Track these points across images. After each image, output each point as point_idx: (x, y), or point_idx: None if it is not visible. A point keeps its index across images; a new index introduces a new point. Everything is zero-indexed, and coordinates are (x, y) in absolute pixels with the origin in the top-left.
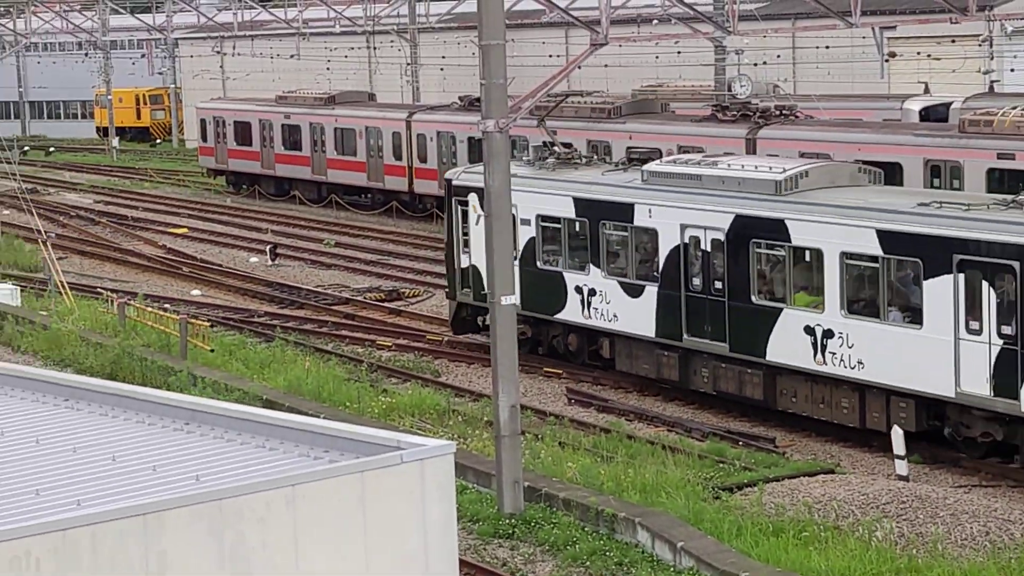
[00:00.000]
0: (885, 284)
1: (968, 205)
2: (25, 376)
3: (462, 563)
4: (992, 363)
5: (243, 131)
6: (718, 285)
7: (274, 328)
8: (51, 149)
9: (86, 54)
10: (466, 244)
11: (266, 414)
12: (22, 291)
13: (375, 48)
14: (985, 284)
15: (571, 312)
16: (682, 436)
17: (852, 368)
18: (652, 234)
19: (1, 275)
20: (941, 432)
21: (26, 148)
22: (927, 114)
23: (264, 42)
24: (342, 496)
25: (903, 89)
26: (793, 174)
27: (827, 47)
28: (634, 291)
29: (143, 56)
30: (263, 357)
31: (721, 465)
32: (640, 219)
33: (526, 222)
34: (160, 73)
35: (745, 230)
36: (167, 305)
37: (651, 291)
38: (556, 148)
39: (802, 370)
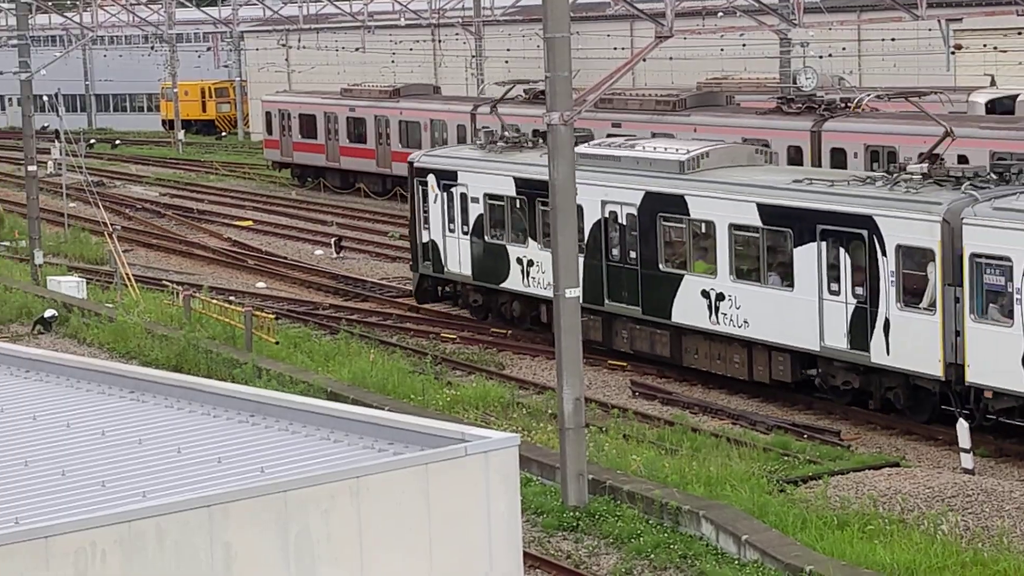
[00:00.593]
0: (765, 252)
1: (832, 181)
2: (91, 368)
3: (526, 555)
4: (848, 320)
5: (308, 124)
6: (632, 255)
7: (339, 320)
8: (117, 142)
9: (152, 47)
10: (426, 221)
11: (331, 406)
12: (88, 283)
13: (440, 41)
14: (842, 251)
15: (514, 281)
16: (747, 429)
17: (740, 327)
18: (578, 209)
19: (67, 267)
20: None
21: (92, 141)
22: (993, 107)
23: (329, 35)
24: (407, 488)
25: (969, 82)
26: (695, 155)
27: (893, 39)
28: None
29: (209, 49)
30: (328, 349)
31: (786, 458)
32: None
33: (476, 200)
34: (226, 66)
35: (653, 205)
36: (232, 297)
37: (579, 261)
38: (506, 134)
39: (700, 329)
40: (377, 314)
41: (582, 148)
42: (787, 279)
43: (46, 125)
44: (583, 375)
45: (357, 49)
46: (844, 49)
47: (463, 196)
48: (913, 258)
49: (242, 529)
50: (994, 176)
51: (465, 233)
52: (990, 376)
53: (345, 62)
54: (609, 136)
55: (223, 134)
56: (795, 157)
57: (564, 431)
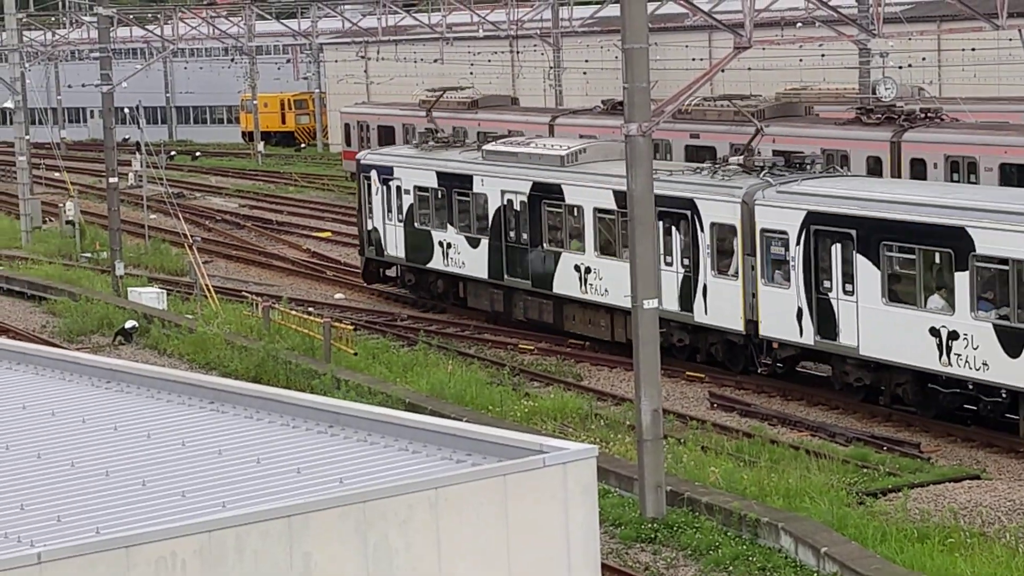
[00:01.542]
0: (619, 231)
1: (671, 171)
2: (171, 379)
3: (604, 567)
4: (679, 287)
5: (387, 135)
6: (524, 236)
7: (417, 332)
8: (197, 154)
9: (232, 59)
10: (370, 211)
11: (409, 417)
12: (168, 295)
13: (518, 52)
14: (673, 228)
15: (437, 262)
16: (825, 441)
17: (602, 295)
18: (484, 198)
19: (148, 279)
20: None
21: (173, 153)
22: None
23: (408, 47)
24: (485, 499)
25: None
26: (574, 151)
27: (973, 49)
28: (474, 243)
29: (288, 61)
30: (406, 360)
31: (865, 470)
32: (477, 187)
33: (407, 192)
34: (305, 78)
35: (538, 193)
36: (311, 309)
37: (484, 243)
38: (437, 134)
39: (575, 299)
40: (455, 325)
41: (487, 146)
42: (718, 262)
43: (127, 137)
44: (661, 386)
45: (436, 61)
46: (924, 59)
47: (398, 188)
48: (722, 233)
49: (321, 539)
50: (792, 166)
51: (400, 221)
52: (776, 330)
53: (424, 74)
54: (687, 147)
55: (302, 146)
56: (875, 168)
57: (642, 442)
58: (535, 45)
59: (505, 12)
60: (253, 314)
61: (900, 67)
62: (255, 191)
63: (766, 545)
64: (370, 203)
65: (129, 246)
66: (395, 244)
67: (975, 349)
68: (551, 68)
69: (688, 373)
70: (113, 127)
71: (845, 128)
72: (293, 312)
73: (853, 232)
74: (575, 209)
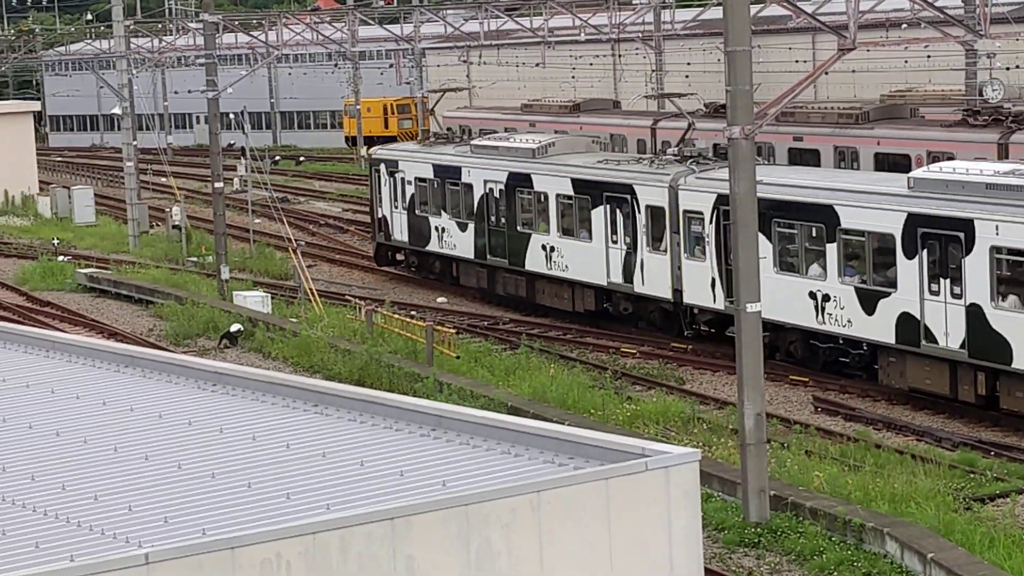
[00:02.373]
0: (576, 214)
1: (618, 162)
2: (276, 382)
3: (707, 572)
4: (622, 261)
5: None
6: (502, 220)
7: (519, 335)
8: (301, 159)
9: (335, 65)
10: (379, 200)
11: (511, 420)
12: (273, 298)
13: (620, 55)
14: (618, 211)
15: (434, 244)
16: (932, 446)
17: (564, 270)
18: (470, 187)
19: (253, 283)
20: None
21: (277, 158)
22: None
23: (510, 51)
24: (587, 502)
25: None
26: (544, 144)
27: None
28: (463, 227)
29: (391, 66)
30: (508, 364)
31: (972, 475)
32: (465, 177)
33: (410, 182)
34: (407, 83)
35: (513, 182)
36: (414, 312)
37: (471, 227)
38: (440, 132)
39: (542, 274)
40: (557, 328)
41: (474, 141)
42: (589, 233)
43: (232, 143)
44: (764, 390)
45: (537, 64)
46: None
47: (402, 180)
48: (655, 215)
49: (424, 542)
50: (719, 156)
51: (404, 209)
52: (695, 297)
53: (525, 78)
54: (791, 150)
55: None
56: None
57: (745, 446)
58: (637, 48)
59: (607, 16)
60: (356, 318)
61: (1007, 68)
62: (358, 195)
63: (871, 551)
64: (380, 193)
65: (234, 250)
66: (400, 230)
67: (842, 309)
68: (653, 71)
69: (792, 377)
70: (218, 132)
71: (951, 130)
72: (396, 316)
73: None
74: (542, 196)
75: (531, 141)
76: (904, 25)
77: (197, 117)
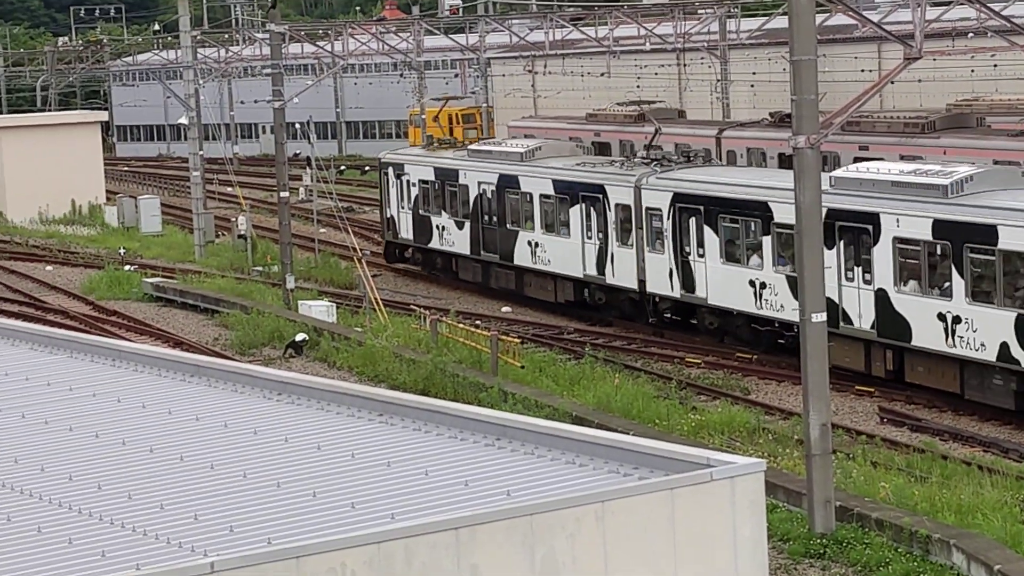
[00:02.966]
0: (557, 212)
1: (595, 164)
2: (341, 391)
3: None
4: (596, 255)
5: None
6: (494, 219)
7: (584, 345)
8: (366, 168)
9: (401, 74)
10: (388, 201)
11: (576, 430)
12: (338, 308)
13: (685, 65)
14: (592, 209)
15: (435, 242)
16: (999, 456)
17: (547, 264)
18: (466, 188)
19: (318, 292)
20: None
21: (343, 167)
22: None
23: (575, 60)
24: (652, 513)
25: None
26: (531, 149)
27: None
28: (460, 225)
29: (456, 75)
30: (573, 374)
31: None
32: (461, 179)
33: (414, 184)
34: (473, 92)
35: (503, 183)
36: (478, 322)
37: (467, 225)
38: (441, 139)
39: (529, 268)
40: (622, 338)
41: (472, 146)
42: (567, 229)
43: (298, 152)
44: (830, 401)
45: (602, 74)
46: None
47: (407, 182)
48: (623, 212)
49: (489, 551)
50: (680, 159)
51: (410, 208)
52: (656, 286)
53: (590, 87)
54: (856, 159)
55: None
56: None
57: (811, 457)
58: (702, 58)
59: (672, 25)
60: (421, 327)
61: None
62: None
63: (937, 562)
64: (388, 195)
65: (299, 260)
66: (406, 228)
67: (776, 295)
68: (718, 81)
69: (857, 387)
70: (284, 142)
71: (1018, 139)
72: (461, 325)
73: (701, 208)
74: (528, 196)
75: (519, 146)
76: (971, 34)
77: (263, 127)
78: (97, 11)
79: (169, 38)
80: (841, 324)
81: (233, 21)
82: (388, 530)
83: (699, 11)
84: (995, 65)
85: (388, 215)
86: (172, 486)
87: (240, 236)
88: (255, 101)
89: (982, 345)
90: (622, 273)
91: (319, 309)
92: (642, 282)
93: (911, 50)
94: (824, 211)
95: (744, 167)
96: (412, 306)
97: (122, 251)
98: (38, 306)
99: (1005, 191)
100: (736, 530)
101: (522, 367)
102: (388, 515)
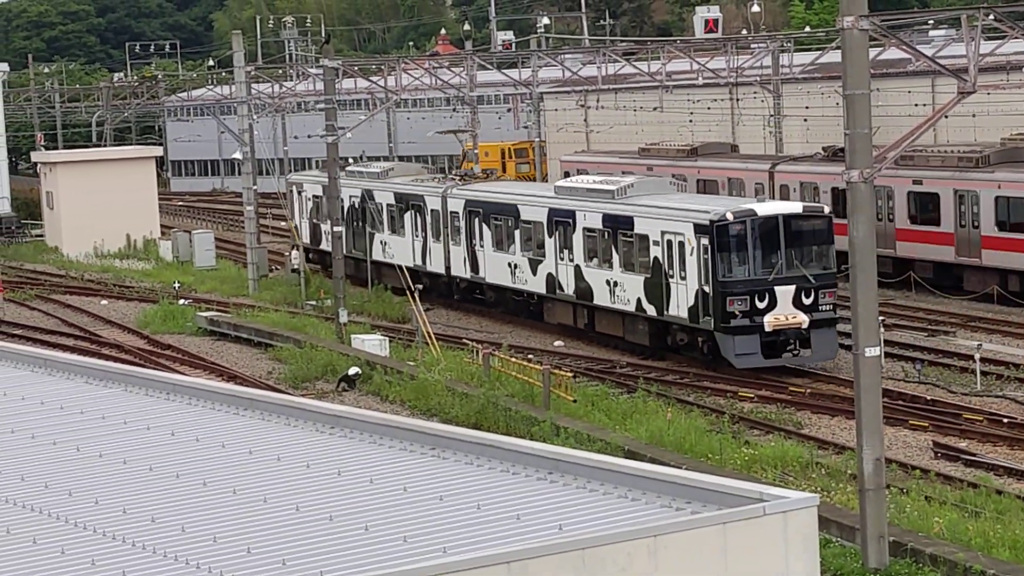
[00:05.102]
0: (398, 217)
1: (424, 180)
2: (393, 425)
3: None
4: (420, 249)
5: None
6: (360, 224)
7: (636, 379)
8: None
9: (454, 109)
10: (292, 214)
11: (628, 464)
12: (391, 342)
13: (738, 99)
14: (418, 214)
15: (323, 244)
16: None
17: (392, 258)
18: (341, 200)
19: (371, 326)
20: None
21: None
22: None
23: (627, 95)
24: (704, 547)
25: None
26: (385, 169)
27: None
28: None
29: (509, 110)
30: (625, 408)
31: None
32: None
33: (309, 199)
34: (525, 127)
35: (365, 196)
36: (531, 356)
37: (349, 231)
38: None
39: (381, 262)
40: (674, 372)
41: (348, 168)
42: (404, 230)
43: None
44: (883, 435)
45: (655, 109)
46: None
47: (305, 197)
48: (436, 215)
49: None
50: (486, 176)
51: (307, 218)
52: (457, 270)
53: (643, 122)
54: (910, 193)
55: None
56: None
57: (864, 491)
58: (755, 92)
59: (725, 59)
60: (474, 361)
61: None
62: None
63: None
64: (293, 208)
65: (352, 294)
66: (305, 234)
67: (523, 272)
68: (771, 115)
69: (911, 422)
70: (337, 176)
71: None
72: (513, 359)
73: (481, 211)
74: (379, 205)
75: (377, 167)
76: None
77: (316, 162)
78: (152, 47)
79: (223, 73)
80: (558, 291)
81: (287, 56)
82: (440, 564)
83: (752, 45)
84: None
85: (294, 224)
86: (225, 519)
87: (293, 270)
88: (308, 136)
89: (628, 301)
90: (436, 262)
91: (372, 343)
92: (448, 268)
93: (965, 84)
94: (547, 211)
95: (510, 182)
96: (464, 340)
97: (176, 285)
98: (93, 340)
99: (651, 195)
100: (789, 565)
101: (574, 401)
102: (440, 549)
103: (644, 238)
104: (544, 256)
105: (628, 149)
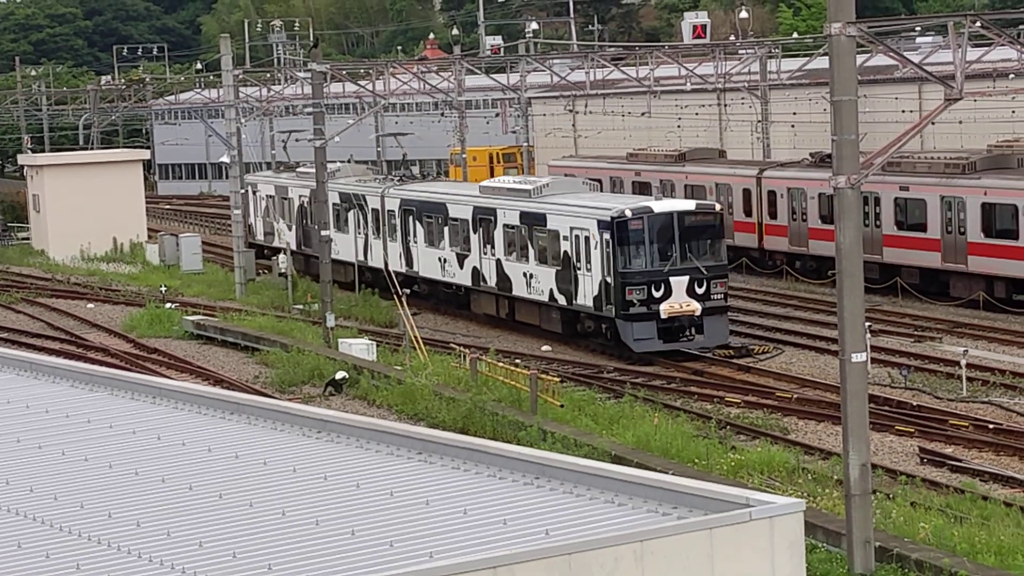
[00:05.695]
0: (343, 215)
1: (367, 180)
2: (380, 430)
3: None
4: (362, 245)
5: (594, 189)
6: (308, 221)
7: (623, 384)
8: None
9: (442, 113)
10: (248, 212)
11: (615, 469)
12: (378, 346)
13: (725, 105)
14: (360, 212)
15: (276, 241)
16: None
17: (338, 254)
18: (292, 200)
19: (358, 330)
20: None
21: None
22: None
23: (615, 100)
24: (691, 552)
25: None
26: (332, 170)
27: None
28: (290, 227)
29: (497, 115)
30: (612, 413)
31: None
32: (290, 194)
33: (263, 198)
34: (513, 132)
35: (313, 195)
36: (518, 360)
37: (295, 227)
38: (287, 162)
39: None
40: (661, 377)
41: (299, 169)
42: (348, 227)
43: None
44: (869, 441)
45: (643, 114)
46: None
47: (259, 196)
48: (376, 212)
49: None
50: (417, 176)
51: (261, 216)
52: (394, 264)
53: (631, 127)
54: (896, 199)
55: None
56: None
57: (850, 497)
58: (743, 98)
59: (713, 65)
60: (461, 366)
61: None
62: None
63: None
64: (249, 206)
65: (340, 298)
66: (260, 231)
67: (451, 266)
68: (759, 121)
69: (898, 428)
70: (325, 181)
71: None
72: (500, 364)
73: (415, 209)
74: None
75: (308, 167)
76: (1012, 75)
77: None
78: (140, 50)
79: (211, 77)
80: (481, 284)
81: (275, 60)
82: (427, 568)
83: (740, 51)
84: None
85: (249, 222)
86: (211, 524)
87: (280, 274)
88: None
89: (542, 292)
90: (375, 257)
91: (359, 347)
92: (387, 263)
93: (952, 91)
94: (472, 208)
95: (442, 182)
96: (452, 344)
97: (163, 289)
98: (79, 344)
99: (563, 194)
100: (775, 570)
101: (561, 406)
102: (427, 554)
103: (555, 233)
104: (470, 251)
105: (616, 154)
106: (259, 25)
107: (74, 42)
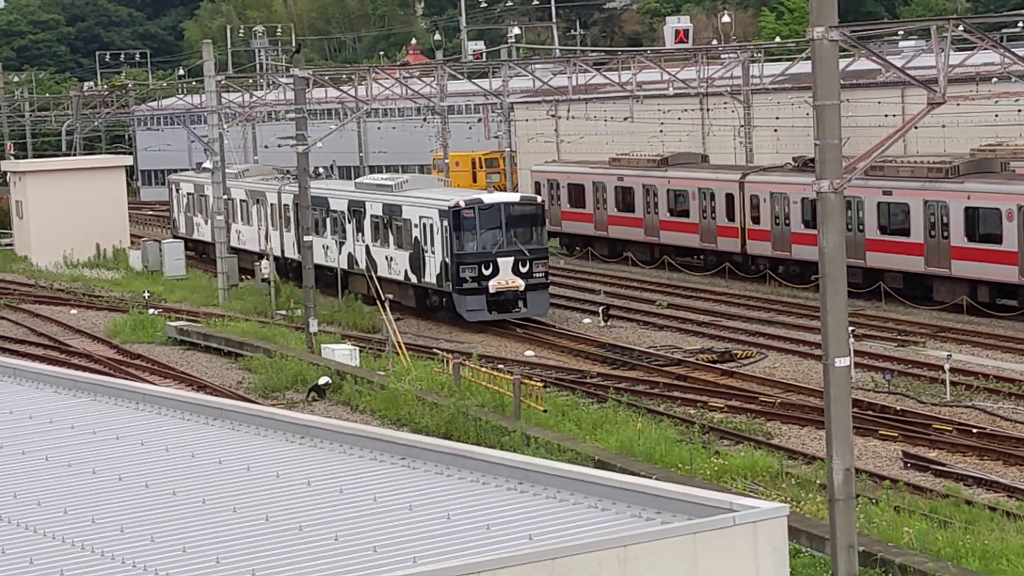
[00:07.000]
0: (248, 210)
1: (268, 178)
2: (363, 435)
3: None
4: (264, 236)
5: (577, 193)
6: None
7: (606, 389)
8: None
9: (424, 119)
10: (172, 208)
11: (598, 474)
12: (361, 351)
13: (708, 109)
14: (262, 207)
15: (195, 235)
16: (1023, 502)
17: (244, 245)
18: (207, 197)
19: (341, 336)
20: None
21: None
22: None
23: (598, 105)
24: (674, 557)
25: None
26: (241, 170)
27: None
28: (206, 221)
29: (479, 120)
30: (595, 418)
31: None
32: (206, 191)
33: (184, 196)
34: (496, 137)
35: (248, 197)
36: (501, 365)
37: (256, 227)
38: (204, 164)
39: (240, 249)
40: (645, 382)
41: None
42: (253, 221)
43: None
44: (853, 445)
45: (626, 119)
46: None
47: (182, 194)
48: (274, 208)
49: None
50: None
51: (183, 212)
52: (290, 254)
53: (614, 132)
54: (880, 204)
55: None
56: None
57: (834, 501)
58: (725, 102)
59: (695, 70)
60: (444, 371)
61: None
62: None
63: None
64: (173, 203)
65: (323, 303)
66: (183, 226)
67: (332, 252)
68: (741, 125)
69: (881, 432)
70: (308, 187)
71: None
72: (483, 369)
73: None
74: (236, 200)
75: (234, 169)
76: (994, 79)
77: (287, 170)
78: (122, 56)
79: (193, 83)
80: (355, 267)
81: (257, 66)
82: (410, 574)
83: (722, 56)
84: (1019, 110)
85: (173, 217)
86: (194, 529)
87: (263, 280)
88: (279, 145)
89: (400, 272)
90: (274, 246)
91: (342, 353)
92: (283, 251)
93: (935, 95)
94: (347, 201)
95: (333, 180)
96: (435, 350)
97: (146, 295)
98: (62, 349)
99: (418, 189)
100: (759, 575)
101: (545, 411)
102: (410, 559)
103: (409, 222)
104: (346, 239)
105: (599, 159)
106: (241, 31)
107: (57, 48)
